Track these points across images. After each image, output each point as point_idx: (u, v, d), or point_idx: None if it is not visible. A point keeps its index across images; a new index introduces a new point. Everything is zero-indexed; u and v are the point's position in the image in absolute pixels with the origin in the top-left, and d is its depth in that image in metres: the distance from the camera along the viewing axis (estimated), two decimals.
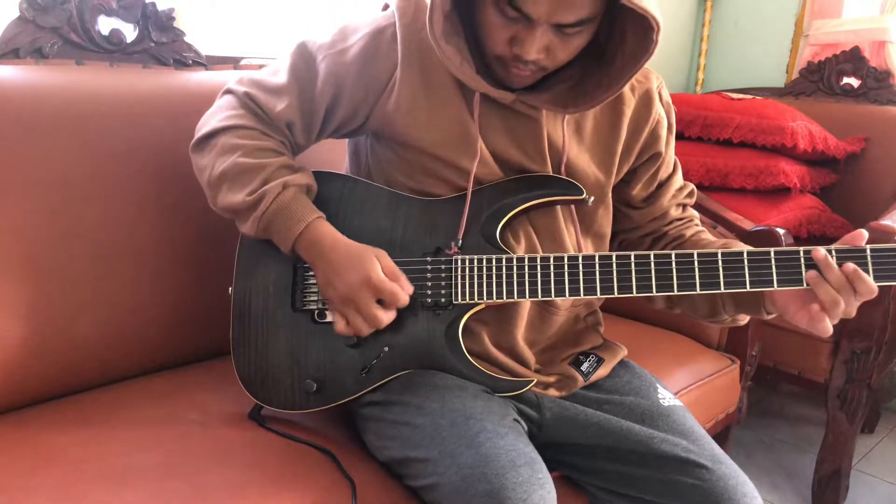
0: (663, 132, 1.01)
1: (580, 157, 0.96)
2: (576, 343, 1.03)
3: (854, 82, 2.12)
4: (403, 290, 0.86)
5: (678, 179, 1.05)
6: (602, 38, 0.88)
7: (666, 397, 0.99)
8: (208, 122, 0.94)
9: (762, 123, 1.88)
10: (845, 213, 1.95)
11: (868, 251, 0.81)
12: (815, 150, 1.90)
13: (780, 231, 1.40)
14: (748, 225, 1.54)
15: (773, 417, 2.15)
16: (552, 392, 0.97)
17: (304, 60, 0.93)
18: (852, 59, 2.11)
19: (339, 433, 0.98)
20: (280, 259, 0.93)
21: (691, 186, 1.07)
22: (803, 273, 0.82)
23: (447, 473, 0.78)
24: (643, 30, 0.83)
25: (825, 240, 1.91)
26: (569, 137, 0.95)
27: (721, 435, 1.47)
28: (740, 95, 2.04)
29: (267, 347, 0.95)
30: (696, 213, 1.08)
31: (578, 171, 0.96)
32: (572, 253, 0.86)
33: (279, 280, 0.95)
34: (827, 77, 2.16)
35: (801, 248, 0.83)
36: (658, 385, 1.02)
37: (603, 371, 1.01)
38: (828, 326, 0.82)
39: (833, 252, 0.81)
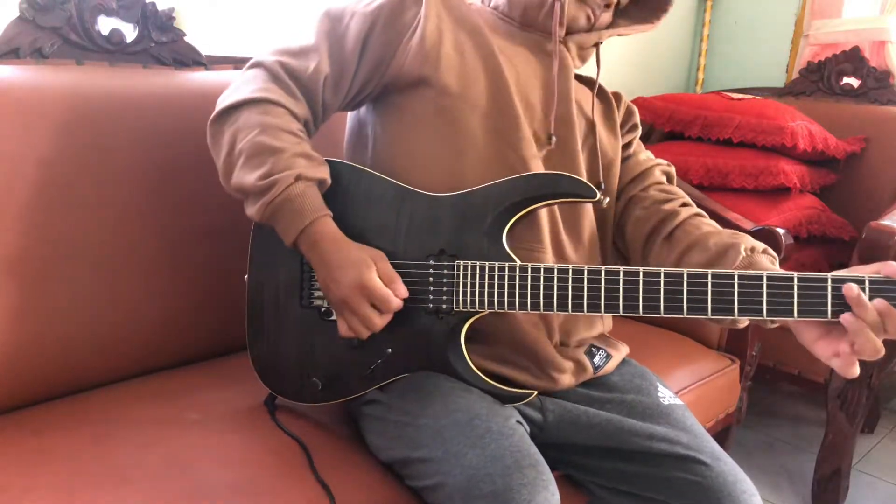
0: (635, 113, 1.11)
1: (594, 114, 1.03)
2: (590, 319, 1.02)
3: (854, 82, 2.12)
4: (397, 295, 0.85)
5: (650, 153, 1.11)
6: None
7: (666, 396, 0.99)
8: (234, 94, 0.91)
9: (762, 123, 1.88)
10: (845, 213, 1.95)
11: None
12: (814, 150, 1.89)
13: (781, 231, 1.40)
14: (748, 225, 1.54)
15: (773, 417, 2.15)
16: (567, 379, 0.96)
17: (331, 21, 0.94)
18: (852, 59, 2.11)
19: (345, 431, 0.98)
20: (288, 254, 0.92)
21: (668, 161, 1.11)
22: (829, 304, 0.74)
23: (452, 473, 0.78)
24: None
25: (825, 240, 1.91)
26: (582, 97, 1.03)
27: (721, 435, 1.47)
28: (740, 95, 2.04)
29: (278, 340, 0.96)
30: (684, 194, 1.06)
31: (595, 128, 1.02)
32: (577, 265, 0.84)
33: (288, 275, 0.95)
34: (827, 77, 2.16)
35: (830, 276, 0.75)
36: (659, 384, 1.02)
37: (610, 366, 1.02)
38: (857, 369, 0.74)
39: (867, 281, 0.73)
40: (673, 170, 1.10)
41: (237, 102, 0.89)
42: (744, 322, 0.93)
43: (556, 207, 0.96)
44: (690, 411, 0.99)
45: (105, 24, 1.14)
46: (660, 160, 1.10)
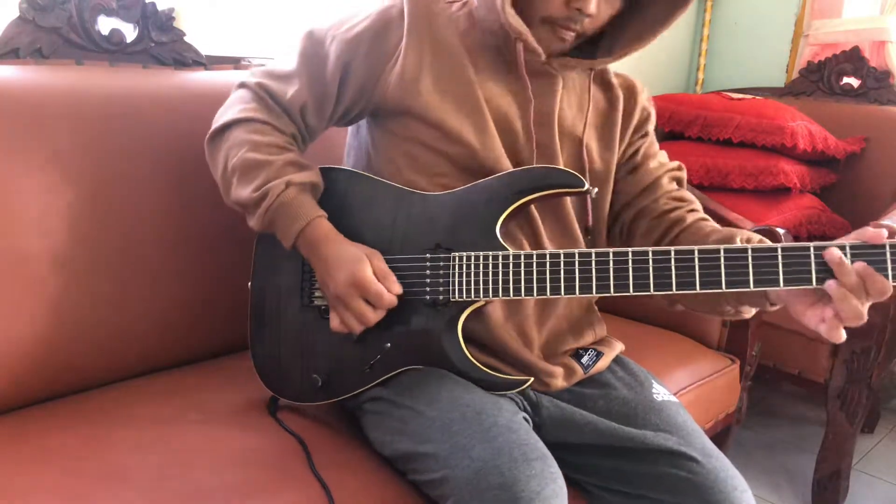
0: (652, 117, 1.06)
1: (586, 132, 0.99)
2: (578, 331, 1.03)
3: (854, 82, 2.12)
4: (391, 291, 0.87)
5: (663, 155, 1.07)
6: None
7: (660, 393, 1.00)
8: (222, 115, 0.96)
9: (762, 123, 1.88)
10: (845, 213, 1.95)
11: (888, 248, 0.74)
12: (815, 150, 1.90)
13: (780, 231, 1.40)
14: (748, 225, 1.55)
15: (773, 417, 2.15)
16: (559, 382, 0.97)
17: (312, 45, 0.95)
18: (852, 59, 2.11)
19: (345, 430, 0.98)
20: (290, 255, 0.94)
21: (679, 163, 1.08)
22: (813, 271, 0.76)
23: (459, 467, 0.78)
24: None
25: (825, 240, 1.90)
26: (573, 114, 0.98)
27: (721, 435, 1.47)
28: (740, 95, 2.04)
29: (279, 341, 0.97)
30: (694, 198, 1.05)
31: (587, 144, 0.98)
32: (568, 250, 0.85)
33: (290, 276, 0.97)
34: (827, 77, 2.16)
35: (812, 245, 0.77)
36: (653, 381, 1.02)
37: (601, 364, 1.02)
38: (842, 333, 0.77)
39: (847, 248, 0.75)
40: (684, 174, 1.07)
41: (226, 123, 0.94)
42: (749, 312, 0.93)
43: (539, 222, 0.96)
44: (685, 409, 0.99)
45: (105, 24, 1.14)
46: (671, 164, 1.07)
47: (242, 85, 0.98)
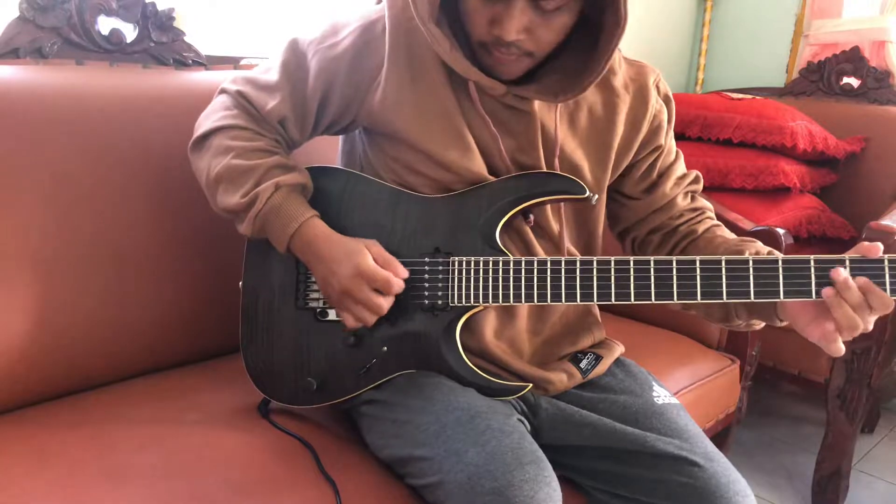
0: (664, 123, 1.00)
1: (575, 151, 0.95)
2: (575, 336, 1.03)
3: (854, 82, 2.12)
4: (397, 275, 0.86)
5: (680, 167, 1.03)
6: (596, 27, 0.86)
7: (661, 395, 0.99)
8: (203, 123, 0.95)
9: (762, 123, 1.88)
10: (845, 213, 1.95)
11: (886, 262, 0.77)
12: (814, 149, 1.90)
13: (780, 231, 1.40)
14: (748, 225, 1.54)
15: (773, 417, 2.15)
16: (558, 387, 0.97)
17: (295, 57, 0.93)
18: (852, 59, 2.11)
19: (342, 431, 0.98)
20: (283, 257, 0.93)
21: (696, 173, 1.04)
22: (813, 284, 0.78)
23: (453, 471, 0.78)
24: (615, 7, 0.82)
25: (825, 240, 1.91)
26: (563, 131, 0.94)
27: (721, 435, 1.47)
28: (740, 95, 2.04)
29: (272, 343, 0.96)
30: (708, 205, 1.04)
31: (573, 164, 0.95)
32: (570, 258, 0.85)
33: (283, 278, 0.96)
34: (827, 77, 2.16)
35: (812, 258, 0.79)
36: (654, 383, 1.02)
37: (600, 368, 1.01)
38: (841, 347, 0.80)
39: (847, 262, 0.78)
40: (700, 185, 1.04)
41: (208, 131, 0.93)
42: (760, 325, 0.92)
43: (530, 234, 0.95)
44: (686, 411, 0.98)
45: (105, 24, 1.15)
46: (688, 177, 1.03)
47: (223, 91, 0.97)
